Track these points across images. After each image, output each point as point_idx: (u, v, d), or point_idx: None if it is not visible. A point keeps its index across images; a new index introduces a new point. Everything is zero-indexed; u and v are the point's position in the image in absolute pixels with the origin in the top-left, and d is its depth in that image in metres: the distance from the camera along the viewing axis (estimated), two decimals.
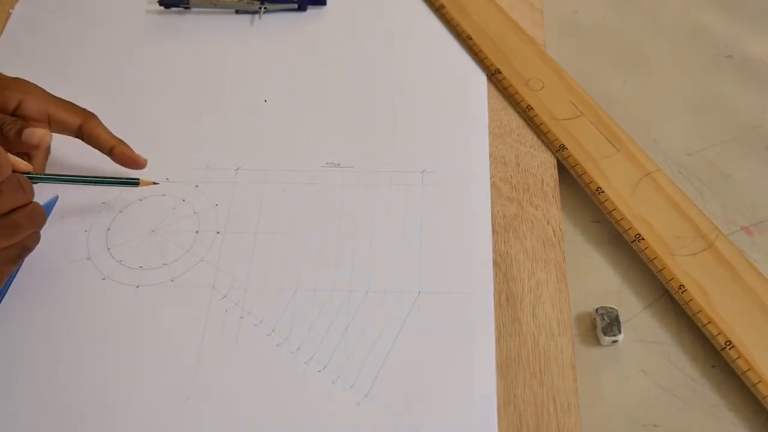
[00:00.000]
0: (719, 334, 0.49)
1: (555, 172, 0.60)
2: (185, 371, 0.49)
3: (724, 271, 0.52)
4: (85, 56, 0.69)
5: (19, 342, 0.51)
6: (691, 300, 0.51)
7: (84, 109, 0.58)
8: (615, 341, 0.51)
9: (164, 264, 0.55)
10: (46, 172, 0.58)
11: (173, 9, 0.73)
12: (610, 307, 0.52)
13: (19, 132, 0.53)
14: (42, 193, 0.58)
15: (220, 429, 0.47)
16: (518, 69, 0.66)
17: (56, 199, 0.58)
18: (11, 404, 0.48)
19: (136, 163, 0.57)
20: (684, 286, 0.52)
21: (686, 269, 0.52)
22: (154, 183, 0.58)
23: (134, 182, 0.56)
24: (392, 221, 0.57)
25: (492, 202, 0.58)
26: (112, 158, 0.57)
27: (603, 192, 0.57)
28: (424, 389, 0.48)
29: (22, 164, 0.51)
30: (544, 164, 0.60)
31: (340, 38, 0.71)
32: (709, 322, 0.50)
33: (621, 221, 0.56)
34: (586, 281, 0.54)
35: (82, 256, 0.55)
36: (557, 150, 0.61)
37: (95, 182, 0.56)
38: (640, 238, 0.54)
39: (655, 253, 0.54)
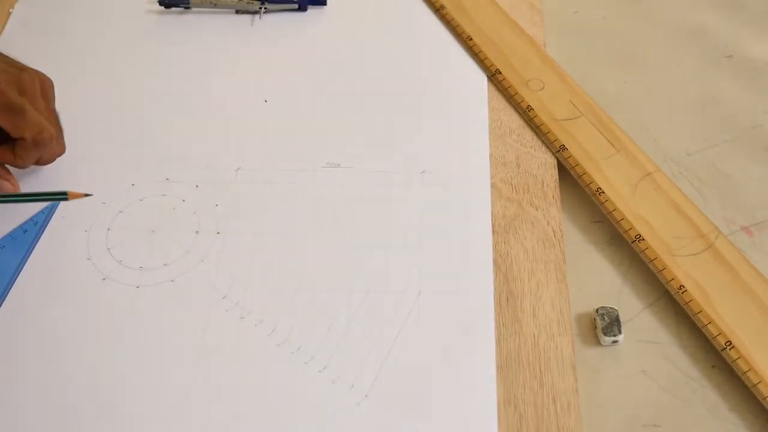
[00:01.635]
0: (719, 334, 0.49)
1: (555, 173, 0.60)
2: (185, 371, 0.49)
3: (724, 271, 0.52)
4: (85, 56, 0.69)
5: (19, 342, 0.51)
6: (691, 300, 0.51)
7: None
8: (615, 341, 0.51)
9: (164, 264, 0.55)
10: None
11: (173, 9, 0.73)
12: (611, 307, 0.52)
13: None
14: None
15: (220, 429, 0.47)
16: (518, 69, 0.66)
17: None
18: (11, 404, 0.48)
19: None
20: (684, 287, 0.52)
21: (686, 269, 0.52)
22: (86, 195, 0.53)
23: (63, 196, 0.53)
24: (392, 221, 0.57)
25: (492, 202, 0.58)
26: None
27: (603, 192, 0.57)
28: (424, 389, 0.48)
29: None
30: (545, 165, 0.60)
31: (340, 38, 0.71)
32: (710, 323, 0.50)
33: (621, 221, 0.56)
34: (586, 281, 0.54)
35: (82, 256, 0.55)
36: (557, 150, 0.61)
37: (19, 200, 0.55)
38: (641, 238, 0.54)
39: (656, 253, 0.54)
